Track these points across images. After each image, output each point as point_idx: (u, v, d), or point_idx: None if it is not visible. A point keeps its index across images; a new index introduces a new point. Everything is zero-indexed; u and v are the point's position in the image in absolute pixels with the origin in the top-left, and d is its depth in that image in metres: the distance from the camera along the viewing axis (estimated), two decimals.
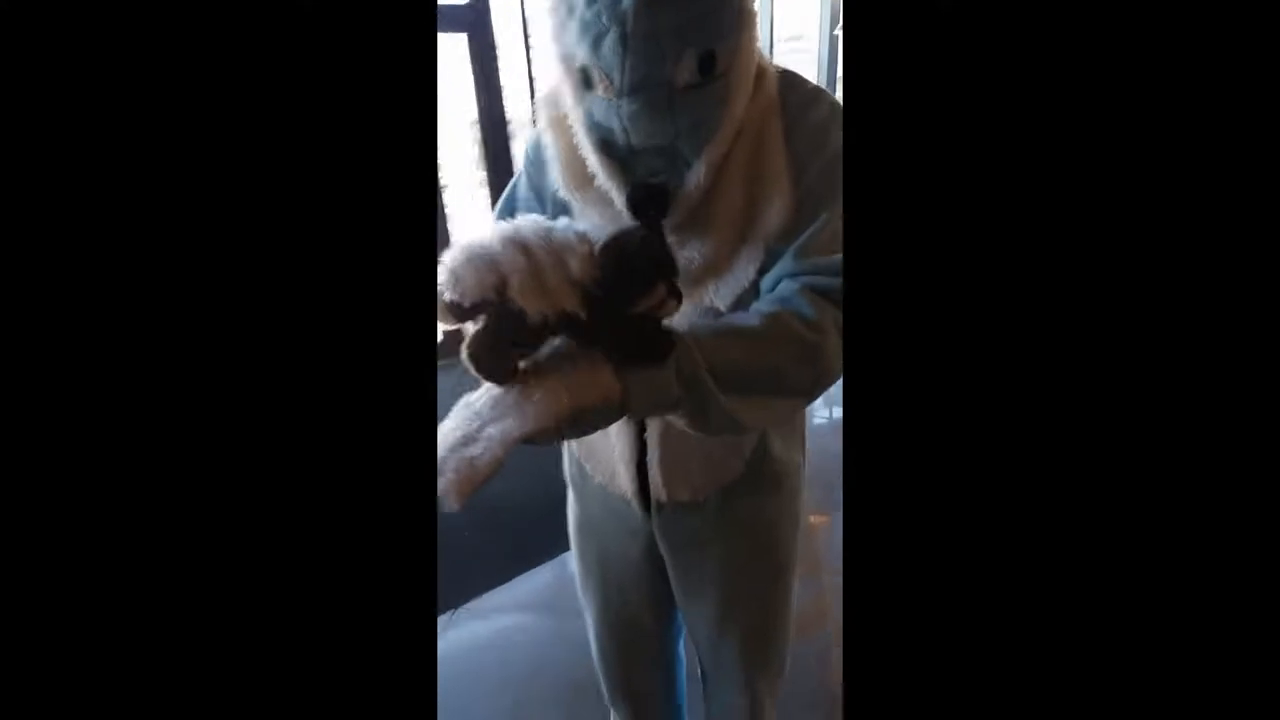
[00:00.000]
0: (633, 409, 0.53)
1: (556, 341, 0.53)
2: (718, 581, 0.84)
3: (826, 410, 2.84)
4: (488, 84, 3.42)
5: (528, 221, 0.49)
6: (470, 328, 0.50)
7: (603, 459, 0.81)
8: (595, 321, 0.49)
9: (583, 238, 0.49)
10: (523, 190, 0.80)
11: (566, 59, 0.60)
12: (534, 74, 3.40)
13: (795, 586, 0.91)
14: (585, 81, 0.60)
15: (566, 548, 0.97)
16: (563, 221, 0.51)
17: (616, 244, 0.49)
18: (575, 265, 0.47)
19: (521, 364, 0.52)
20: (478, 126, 3.49)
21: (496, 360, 0.50)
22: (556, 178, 0.70)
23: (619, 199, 0.63)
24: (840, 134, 0.64)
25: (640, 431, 0.75)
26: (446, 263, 0.47)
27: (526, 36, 3.36)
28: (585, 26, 0.55)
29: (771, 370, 0.58)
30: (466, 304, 0.47)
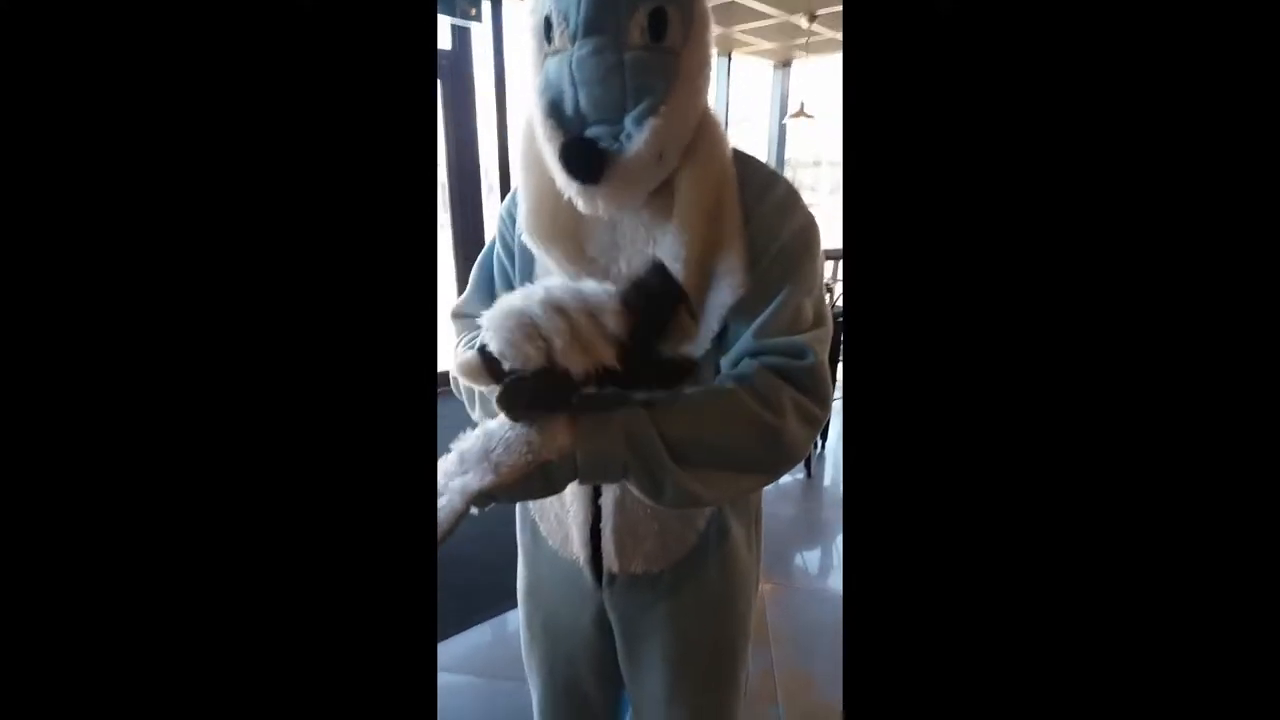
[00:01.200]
0: (581, 470, 0.55)
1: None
2: (668, 658, 0.79)
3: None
4: (458, 127, 3.46)
5: (558, 285, 0.52)
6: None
7: (556, 522, 0.79)
8: (632, 368, 0.52)
9: (611, 294, 0.51)
10: (497, 248, 0.79)
11: (539, 16, 0.60)
12: (507, 122, 3.47)
13: (747, 665, 0.87)
14: (546, 34, 0.59)
15: (508, 606, 0.92)
16: (589, 284, 0.53)
17: (636, 287, 0.52)
18: (611, 322, 0.50)
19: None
20: (444, 172, 3.52)
21: (532, 412, 0.54)
22: (521, 220, 0.68)
23: (553, 160, 0.59)
24: (797, 218, 0.65)
25: (595, 497, 0.73)
26: (495, 329, 0.50)
27: (501, 84, 3.44)
28: None
29: (727, 445, 0.58)
30: (516, 367, 0.51)
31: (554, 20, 0.58)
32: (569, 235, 0.67)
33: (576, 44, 0.57)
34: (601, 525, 0.73)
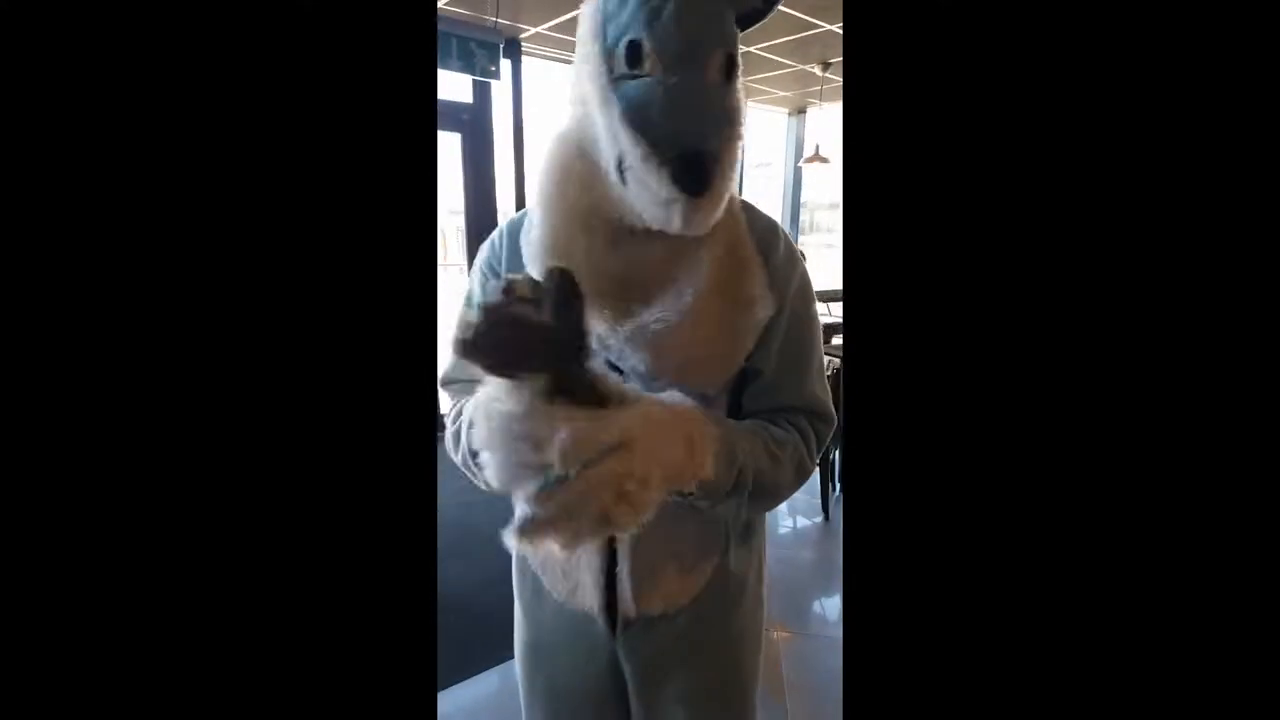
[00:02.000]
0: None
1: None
2: (687, 701, 0.80)
3: (791, 520, 2.80)
4: (478, 177, 3.58)
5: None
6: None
7: (563, 574, 0.78)
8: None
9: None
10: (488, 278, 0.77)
11: (613, 40, 0.62)
12: (524, 172, 3.58)
13: (756, 708, 0.88)
14: (632, 60, 0.61)
15: (511, 654, 0.90)
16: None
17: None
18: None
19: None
20: (461, 217, 3.63)
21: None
22: (550, 250, 0.68)
23: (658, 176, 0.60)
24: (800, 266, 0.75)
25: (610, 540, 0.73)
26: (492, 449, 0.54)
27: (520, 136, 3.56)
28: (643, 2, 0.61)
29: (776, 484, 0.70)
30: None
31: (645, 46, 0.60)
32: (597, 267, 0.67)
33: (668, 71, 0.60)
34: (618, 569, 0.73)
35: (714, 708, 0.81)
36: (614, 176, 0.63)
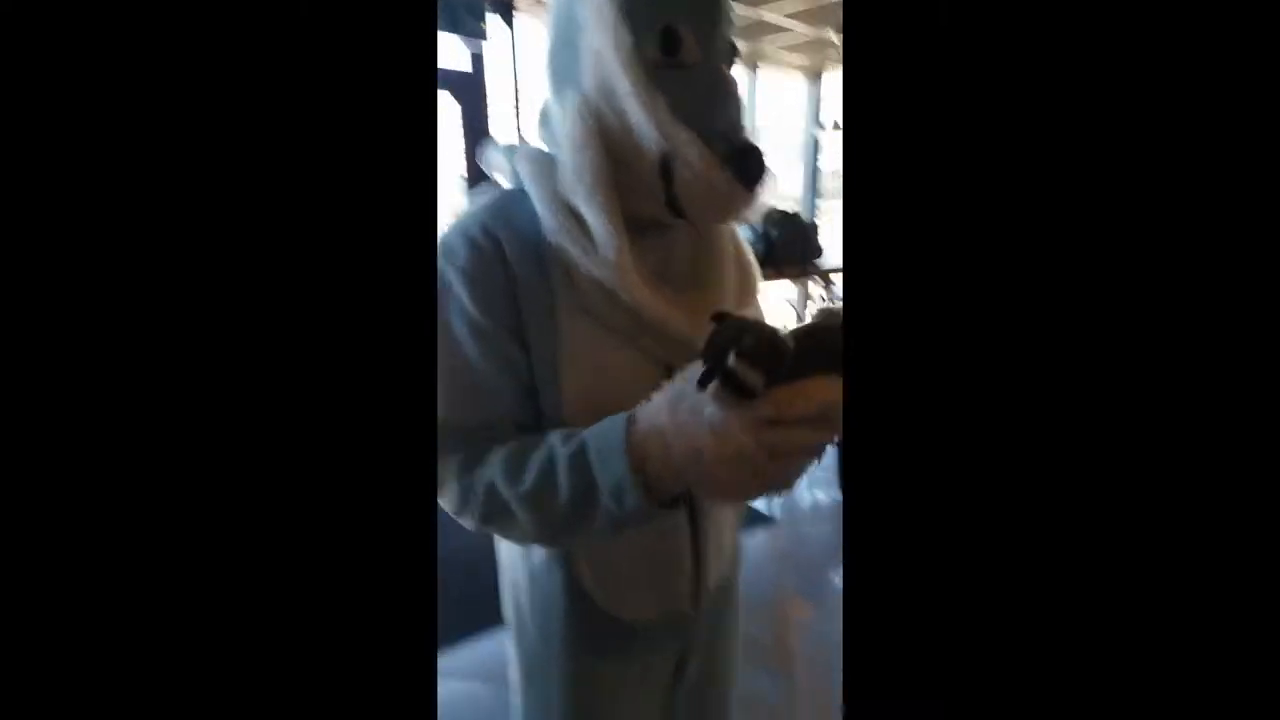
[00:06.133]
0: None
1: None
2: (734, 657, 0.88)
3: (809, 494, 2.82)
4: (476, 144, 3.55)
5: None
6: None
7: (648, 565, 0.70)
8: None
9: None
10: (481, 329, 0.61)
11: (646, 22, 0.56)
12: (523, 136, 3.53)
13: None
14: (670, 48, 0.56)
15: None
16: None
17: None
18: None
19: None
20: (464, 180, 3.62)
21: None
22: (614, 253, 0.59)
23: (721, 170, 0.57)
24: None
25: (693, 516, 0.71)
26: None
27: (518, 103, 3.51)
28: None
29: None
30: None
31: (683, 34, 0.56)
32: (645, 266, 0.62)
33: (709, 62, 0.58)
34: (701, 533, 0.71)
35: (736, 662, 0.88)
36: (655, 171, 0.58)
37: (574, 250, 0.59)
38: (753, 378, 0.47)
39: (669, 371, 0.56)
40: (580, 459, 0.54)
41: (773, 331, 0.50)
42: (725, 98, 0.59)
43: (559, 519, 0.56)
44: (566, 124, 0.60)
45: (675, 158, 0.57)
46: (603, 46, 0.57)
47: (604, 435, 0.53)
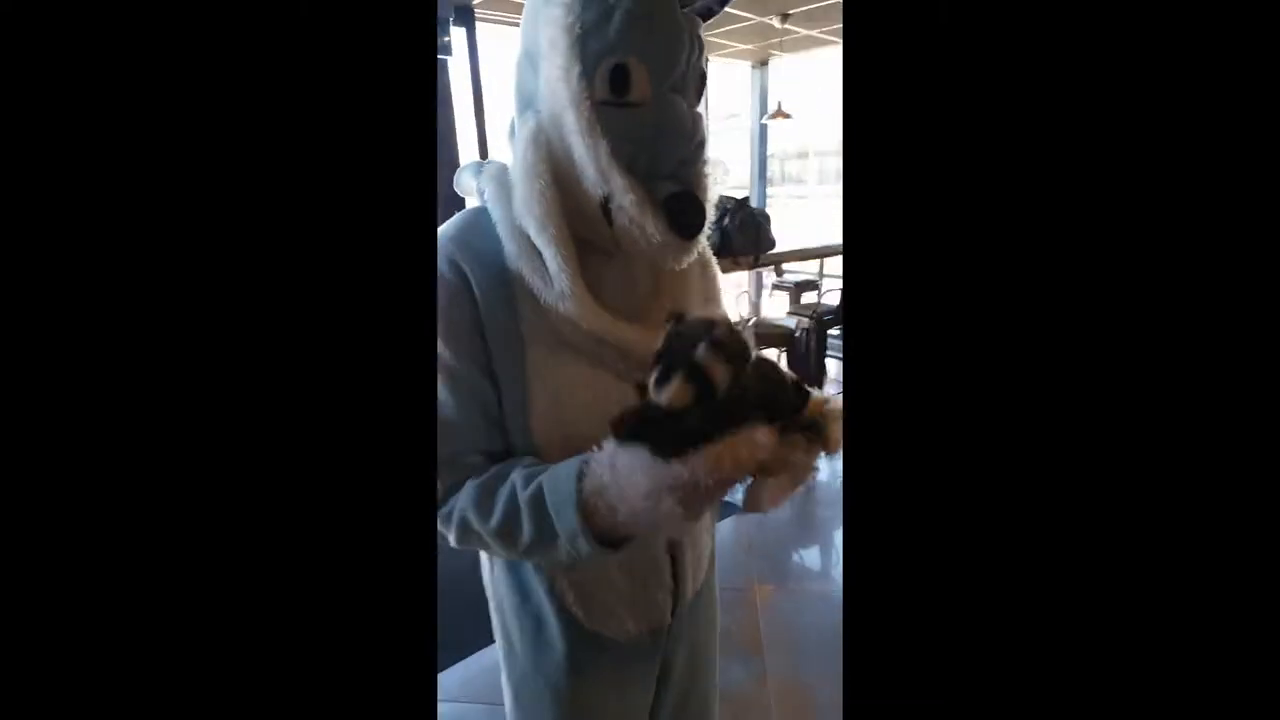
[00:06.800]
0: None
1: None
2: (712, 661, 0.87)
3: None
4: (441, 156, 3.50)
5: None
6: None
7: (625, 579, 0.71)
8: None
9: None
10: (465, 367, 0.62)
11: (595, 58, 0.55)
12: (488, 145, 3.49)
13: None
14: (619, 87, 0.55)
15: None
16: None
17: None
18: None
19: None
20: None
21: None
22: (574, 292, 0.59)
23: (653, 218, 0.57)
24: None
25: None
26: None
27: (480, 110, 3.46)
28: (631, 15, 0.54)
29: None
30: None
31: (633, 71, 0.55)
32: (604, 291, 0.63)
33: (659, 98, 0.56)
34: (683, 552, 0.73)
35: (715, 659, 0.89)
36: (598, 212, 0.58)
37: (532, 278, 0.60)
38: (721, 372, 0.47)
39: (642, 390, 0.54)
40: (538, 506, 0.56)
41: (737, 328, 0.50)
42: (673, 138, 0.57)
43: (526, 552, 0.59)
44: (519, 148, 0.60)
45: (612, 201, 0.57)
46: (555, 77, 0.56)
47: (557, 488, 0.55)
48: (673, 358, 0.48)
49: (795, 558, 2.30)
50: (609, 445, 0.52)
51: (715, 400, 0.48)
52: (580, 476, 0.53)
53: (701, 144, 0.59)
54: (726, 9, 0.63)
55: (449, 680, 1.77)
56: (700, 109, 0.60)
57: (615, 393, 0.60)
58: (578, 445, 0.56)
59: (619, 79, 0.55)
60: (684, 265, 0.62)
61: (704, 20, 0.60)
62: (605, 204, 0.57)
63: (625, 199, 0.56)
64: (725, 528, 2.47)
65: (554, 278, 0.59)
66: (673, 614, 0.75)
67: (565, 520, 0.54)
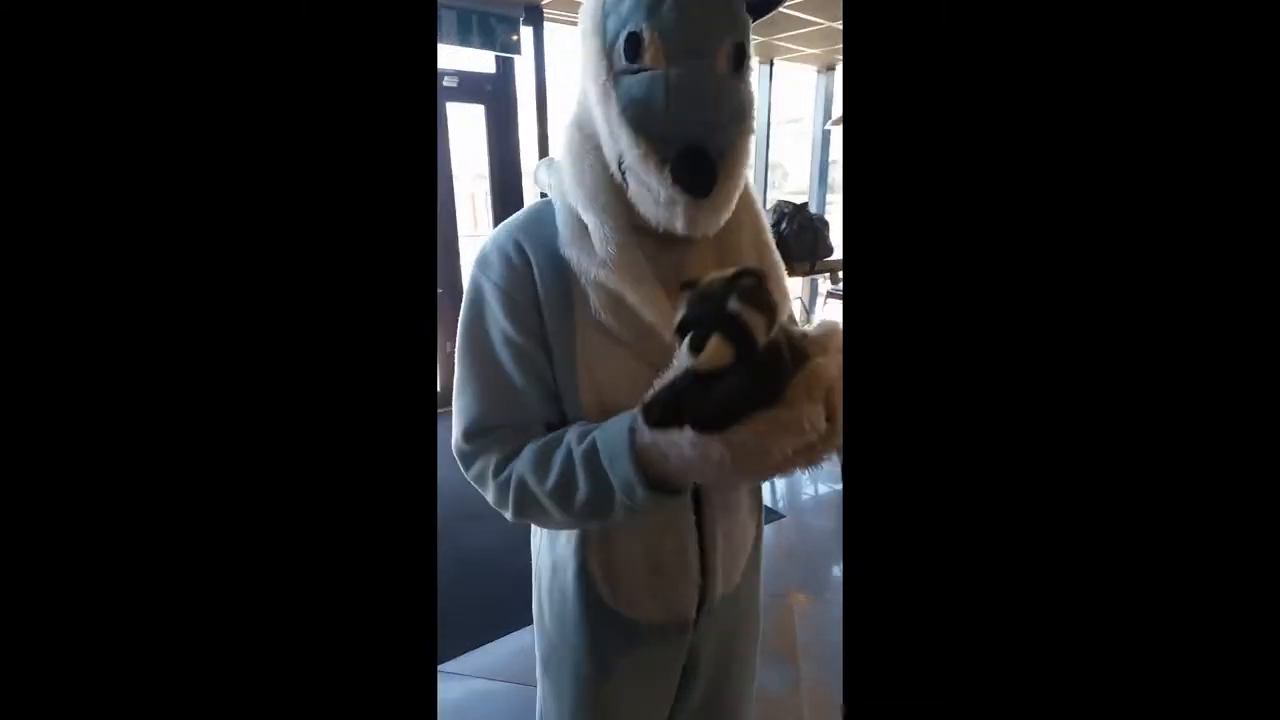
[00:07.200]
0: None
1: None
2: (745, 664, 0.86)
3: (812, 487, 2.84)
4: (504, 148, 3.59)
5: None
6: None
7: (649, 571, 0.72)
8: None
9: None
10: (505, 332, 0.64)
11: (613, 34, 0.58)
12: (549, 140, 3.56)
13: None
14: (631, 53, 0.57)
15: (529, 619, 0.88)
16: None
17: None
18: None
19: None
20: (488, 182, 3.66)
21: None
22: (610, 258, 0.61)
23: (659, 175, 0.57)
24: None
25: (699, 522, 0.72)
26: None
27: (543, 106, 3.54)
28: None
29: None
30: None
31: (645, 38, 0.56)
32: (649, 272, 0.63)
33: (675, 63, 0.57)
34: (714, 550, 0.72)
35: (752, 663, 0.88)
36: (617, 177, 0.60)
37: (580, 258, 0.62)
38: (759, 322, 0.45)
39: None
40: (593, 460, 0.58)
41: (758, 277, 0.48)
42: (689, 101, 0.57)
43: (582, 510, 0.60)
44: (565, 134, 0.64)
45: (624, 161, 0.58)
46: (585, 58, 0.60)
47: (611, 440, 0.57)
48: (703, 318, 0.46)
49: (835, 570, 2.26)
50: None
51: (757, 355, 0.46)
52: (633, 429, 0.55)
53: (736, 114, 0.59)
54: (793, 13, 0.64)
55: (484, 658, 1.83)
56: (742, 83, 0.60)
57: (648, 378, 0.61)
58: None
59: (632, 46, 0.57)
60: (705, 232, 0.61)
61: (761, 11, 0.62)
62: (622, 167, 0.59)
63: (631, 155, 0.57)
64: (767, 533, 2.45)
65: (597, 247, 0.61)
66: (700, 609, 0.74)
67: (619, 469, 0.55)
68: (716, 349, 0.45)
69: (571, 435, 0.61)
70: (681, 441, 0.51)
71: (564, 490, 0.60)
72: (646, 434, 0.53)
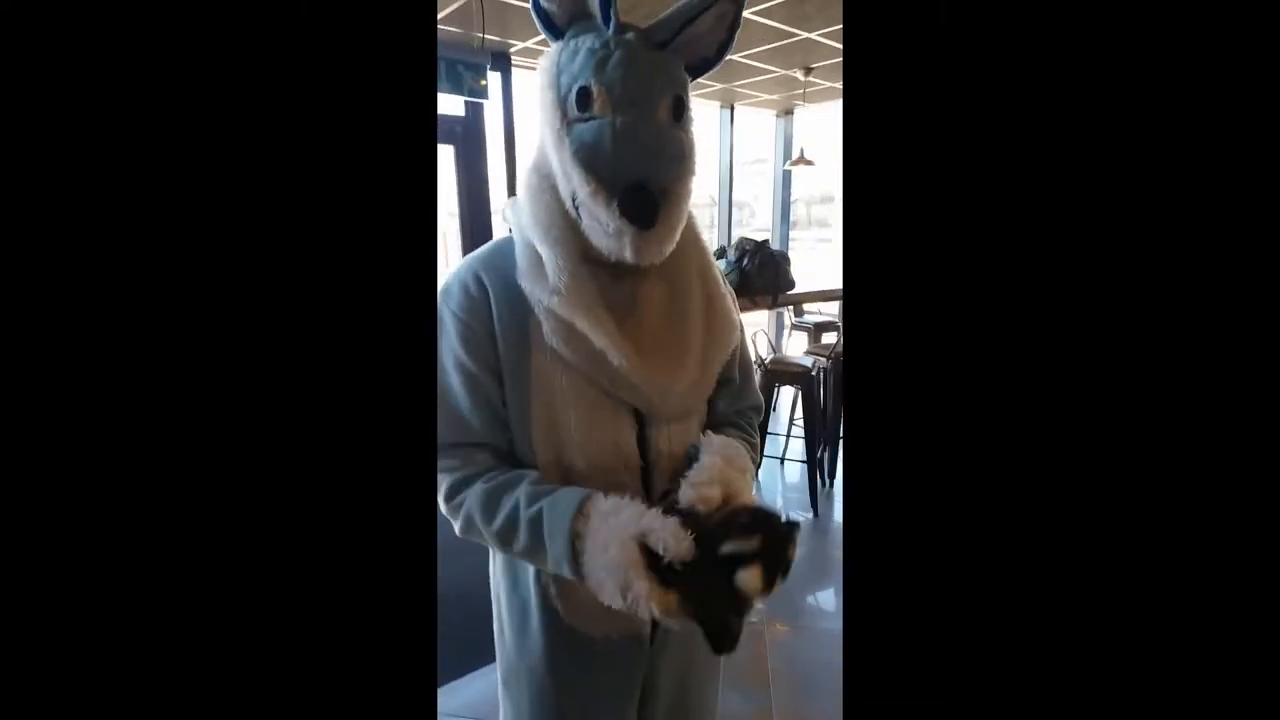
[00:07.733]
0: None
1: None
2: (711, 682, 0.90)
3: (783, 515, 2.86)
4: (472, 188, 3.67)
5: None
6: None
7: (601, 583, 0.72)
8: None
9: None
10: (458, 359, 0.70)
11: (566, 88, 0.66)
12: (516, 179, 3.65)
13: None
14: (582, 104, 0.65)
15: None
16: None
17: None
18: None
19: None
20: (457, 220, 3.72)
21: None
22: (563, 287, 0.67)
23: (607, 209, 0.64)
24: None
25: None
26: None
27: (511, 144, 3.64)
28: (592, 52, 0.65)
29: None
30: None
31: (594, 91, 0.64)
32: (599, 300, 0.69)
33: (620, 112, 0.64)
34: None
35: (715, 685, 0.92)
36: (571, 213, 0.67)
37: (534, 288, 0.68)
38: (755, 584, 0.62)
39: (636, 417, 0.70)
40: (536, 525, 0.64)
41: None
42: (633, 147, 0.64)
43: (521, 555, 0.68)
44: (524, 175, 0.72)
45: (576, 197, 0.66)
46: (541, 109, 0.68)
47: (555, 518, 0.63)
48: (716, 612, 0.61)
49: (809, 599, 2.28)
50: (613, 500, 0.62)
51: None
52: (580, 515, 0.62)
53: (675, 159, 0.66)
54: (751, 62, 0.73)
55: (453, 698, 1.79)
56: (683, 131, 0.68)
57: (605, 409, 0.69)
58: (568, 461, 0.67)
59: (583, 98, 0.65)
60: (650, 260, 0.68)
61: (700, 71, 0.71)
62: (575, 203, 0.67)
63: (583, 191, 0.65)
64: None
65: (550, 277, 0.67)
66: (655, 626, 0.77)
67: (556, 547, 0.63)
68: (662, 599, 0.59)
69: (523, 492, 0.66)
70: (611, 566, 0.59)
71: (505, 536, 0.67)
72: (585, 522, 0.61)
